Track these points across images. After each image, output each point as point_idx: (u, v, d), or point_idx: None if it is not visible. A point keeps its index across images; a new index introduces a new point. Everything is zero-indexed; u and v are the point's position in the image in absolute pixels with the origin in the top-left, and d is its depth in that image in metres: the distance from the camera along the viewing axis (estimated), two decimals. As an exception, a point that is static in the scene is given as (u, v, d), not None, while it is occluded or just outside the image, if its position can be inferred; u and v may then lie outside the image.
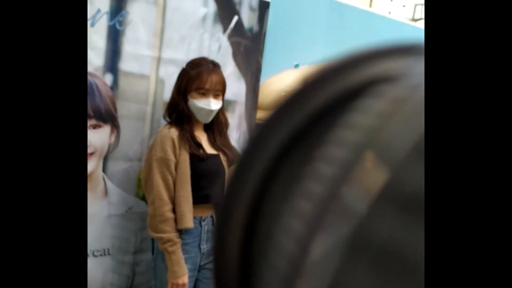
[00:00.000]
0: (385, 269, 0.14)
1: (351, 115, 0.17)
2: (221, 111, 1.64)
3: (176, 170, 1.53)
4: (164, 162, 1.51)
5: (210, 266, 1.61)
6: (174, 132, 1.54)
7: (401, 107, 0.15)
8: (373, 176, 0.14)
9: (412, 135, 0.14)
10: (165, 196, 1.51)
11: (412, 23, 3.08)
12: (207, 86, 1.56)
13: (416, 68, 0.17)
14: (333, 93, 0.19)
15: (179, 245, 1.52)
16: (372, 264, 0.14)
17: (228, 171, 1.62)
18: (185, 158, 1.53)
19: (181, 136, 1.54)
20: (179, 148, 1.53)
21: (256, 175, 0.19)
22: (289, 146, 0.19)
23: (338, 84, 0.19)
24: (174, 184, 1.52)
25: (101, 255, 1.67)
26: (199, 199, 1.55)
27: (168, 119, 1.61)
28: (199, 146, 1.57)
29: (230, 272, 0.20)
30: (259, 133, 0.20)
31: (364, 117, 0.16)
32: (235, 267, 0.20)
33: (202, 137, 1.62)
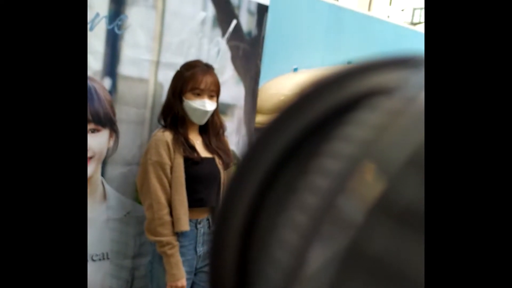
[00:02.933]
0: (380, 281, 0.14)
1: (347, 127, 0.17)
2: (216, 113, 1.64)
3: (171, 173, 1.53)
4: (160, 165, 1.52)
5: (206, 269, 1.60)
6: (168, 136, 1.55)
7: (396, 119, 0.15)
8: (368, 187, 0.15)
9: (407, 147, 0.15)
10: (162, 199, 1.51)
11: (411, 27, 3.09)
12: (202, 86, 1.57)
13: (412, 81, 0.17)
14: (329, 105, 0.19)
15: (177, 248, 1.52)
16: (368, 276, 0.14)
17: (223, 174, 1.62)
18: (179, 161, 1.53)
19: (175, 140, 1.54)
20: (174, 151, 1.53)
21: (252, 187, 0.19)
22: (285, 158, 0.19)
23: (334, 97, 0.19)
24: (170, 187, 1.53)
25: (100, 259, 1.67)
26: (194, 202, 1.55)
27: (162, 122, 1.61)
28: (194, 149, 1.58)
29: (225, 284, 0.20)
30: (255, 144, 0.20)
31: (359, 129, 0.16)
32: (231, 279, 0.20)
33: (197, 140, 1.62)
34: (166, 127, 1.60)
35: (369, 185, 0.14)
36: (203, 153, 1.61)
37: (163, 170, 1.52)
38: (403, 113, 0.15)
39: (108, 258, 1.69)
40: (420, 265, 0.13)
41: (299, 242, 0.15)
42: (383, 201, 0.14)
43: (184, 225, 1.52)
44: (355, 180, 0.15)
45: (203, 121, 1.61)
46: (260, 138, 0.20)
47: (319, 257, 0.15)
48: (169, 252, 1.51)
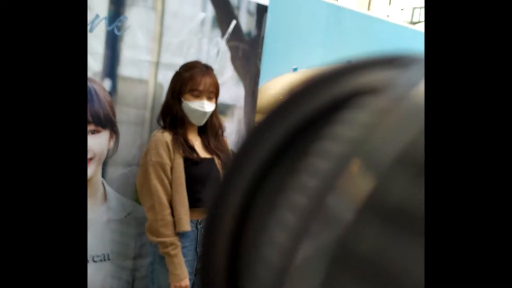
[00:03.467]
0: (368, 279, 0.14)
1: (336, 126, 0.17)
2: (214, 114, 1.65)
3: (171, 174, 1.53)
4: (161, 166, 1.52)
5: None
6: (167, 136, 1.55)
7: (384, 118, 0.16)
8: (357, 186, 0.15)
9: (395, 146, 0.15)
10: (164, 200, 1.51)
11: (411, 26, 3.09)
12: (201, 87, 1.56)
13: (400, 80, 0.17)
14: (317, 105, 0.19)
15: (180, 248, 1.53)
16: (356, 274, 0.14)
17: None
18: (179, 162, 1.53)
19: (174, 140, 1.55)
20: (173, 152, 1.53)
21: (242, 186, 0.19)
22: (274, 157, 0.19)
23: (323, 96, 0.19)
24: (170, 188, 1.53)
25: (100, 260, 1.67)
26: (194, 203, 1.56)
27: (162, 123, 1.61)
28: (193, 149, 1.57)
29: (217, 283, 0.20)
30: (245, 144, 0.20)
31: (348, 128, 0.16)
32: (222, 278, 0.20)
33: (196, 141, 1.62)
34: (165, 127, 1.60)
35: (358, 183, 0.15)
36: (202, 153, 1.61)
37: (164, 170, 1.52)
38: (391, 112, 0.16)
39: (109, 259, 1.69)
40: (407, 263, 0.13)
41: (289, 241, 0.16)
42: (371, 199, 0.14)
43: (185, 225, 1.52)
44: (344, 178, 0.15)
45: (202, 122, 1.61)
46: (249, 138, 0.20)
47: (309, 256, 0.15)
48: (172, 252, 1.51)
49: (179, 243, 1.53)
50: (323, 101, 0.19)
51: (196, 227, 1.58)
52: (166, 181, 1.52)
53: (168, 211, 1.52)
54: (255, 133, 0.20)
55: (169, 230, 1.51)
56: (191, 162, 1.56)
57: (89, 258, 1.64)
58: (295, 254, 0.15)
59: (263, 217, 0.18)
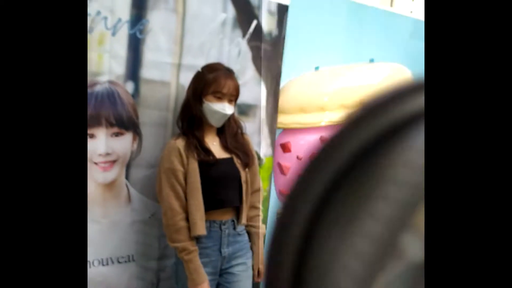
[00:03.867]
0: None
1: (406, 153, 0.17)
2: (232, 116, 1.65)
3: (186, 179, 1.54)
4: (172, 172, 1.53)
5: (232, 270, 1.62)
6: (180, 143, 1.56)
7: None
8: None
9: None
10: (175, 205, 1.52)
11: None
12: (225, 90, 1.57)
13: None
14: (379, 128, 0.19)
15: (195, 253, 1.53)
16: None
17: (243, 173, 1.62)
18: (194, 166, 1.54)
19: (187, 146, 1.55)
20: (187, 157, 1.54)
21: (307, 209, 0.19)
22: (338, 180, 0.19)
23: (384, 119, 0.19)
24: (185, 193, 1.53)
25: (125, 261, 1.69)
26: (214, 204, 1.56)
27: (180, 124, 1.62)
28: (208, 151, 1.58)
29: None
30: (311, 165, 0.20)
31: (417, 155, 0.16)
32: None
33: (214, 142, 1.63)
34: (179, 134, 1.61)
35: None
36: (221, 154, 1.61)
37: (175, 176, 1.53)
38: None
39: (133, 260, 1.71)
40: None
41: (364, 271, 0.16)
42: None
43: (200, 229, 1.53)
44: (418, 212, 0.15)
45: (220, 124, 1.62)
46: (315, 160, 0.20)
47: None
48: (186, 257, 1.52)
49: (193, 248, 1.53)
50: (384, 124, 0.19)
51: (220, 228, 1.58)
52: (178, 187, 1.53)
53: (180, 216, 1.52)
54: (319, 156, 0.20)
55: (181, 236, 1.52)
56: (207, 164, 1.56)
57: (114, 259, 1.66)
58: (370, 284, 0.15)
59: (333, 241, 0.18)
